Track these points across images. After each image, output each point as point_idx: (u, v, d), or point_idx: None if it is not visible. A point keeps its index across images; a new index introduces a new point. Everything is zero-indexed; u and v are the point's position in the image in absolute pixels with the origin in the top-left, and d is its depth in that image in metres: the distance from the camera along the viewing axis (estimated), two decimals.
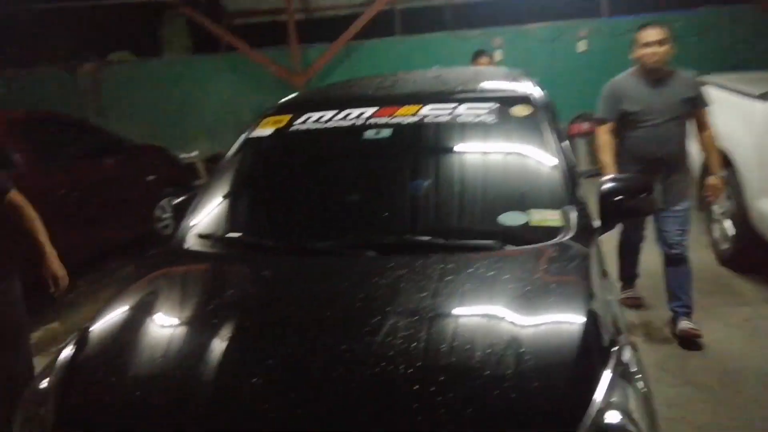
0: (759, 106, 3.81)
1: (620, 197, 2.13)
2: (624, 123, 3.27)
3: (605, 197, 2.14)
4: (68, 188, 4.75)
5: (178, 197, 2.58)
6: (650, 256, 3.64)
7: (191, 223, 2.30)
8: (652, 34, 3.16)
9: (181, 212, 2.43)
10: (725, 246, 4.21)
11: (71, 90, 8.86)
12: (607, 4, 8.30)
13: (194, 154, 7.96)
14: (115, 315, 1.79)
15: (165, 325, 1.72)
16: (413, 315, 1.54)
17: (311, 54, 8.54)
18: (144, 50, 9.34)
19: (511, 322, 1.49)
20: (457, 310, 1.61)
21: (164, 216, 5.73)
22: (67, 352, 1.69)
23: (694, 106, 3.25)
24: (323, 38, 8.48)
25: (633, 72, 3.30)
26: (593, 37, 8.09)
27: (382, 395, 1.34)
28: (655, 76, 3.19)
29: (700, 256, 4.13)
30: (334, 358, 1.44)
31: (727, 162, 4.04)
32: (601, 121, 3.32)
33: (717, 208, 4.30)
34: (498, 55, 7.97)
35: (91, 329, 1.75)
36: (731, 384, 2.83)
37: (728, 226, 4.15)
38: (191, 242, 2.20)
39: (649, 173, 3.00)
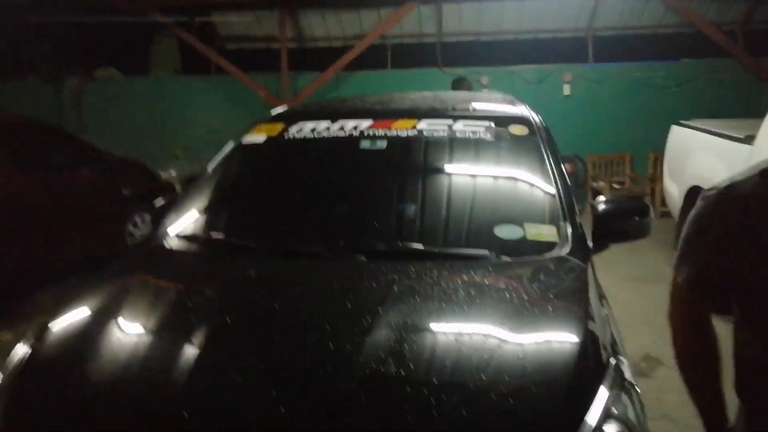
0: (743, 148, 3.89)
1: (614, 219, 2.12)
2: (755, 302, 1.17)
3: (600, 218, 2.11)
4: (39, 197, 4.58)
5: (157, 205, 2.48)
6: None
7: (172, 224, 2.20)
8: None
9: (162, 215, 2.33)
10: None
11: (54, 104, 8.73)
12: (593, 51, 8.55)
13: (172, 173, 7.82)
14: (81, 312, 1.67)
15: (137, 326, 1.60)
16: (407, 320, 1.47)
17: (301, 82, 8.58)
18: (131, 68, 9.29)
19: (509, 334, 1.44)
20: (452, 319, 1.54)
21: (137, 233, 5.57)
22: (23, 348, 1.55)
23: None
24: (314, 68, 8.54)
25: None
26: (577, 82, 8.28)
27: (373, 398, 1.26)
28: None
29: None
30: (322, 358, 1.35)
31: None
32: (685, 283, 1.26)
33: None
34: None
35: (53, 325, 1.61)
36: None
37: None
38: (172, 243, 2.10)
39: None
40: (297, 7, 8.48)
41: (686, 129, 5.04)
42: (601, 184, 7.53)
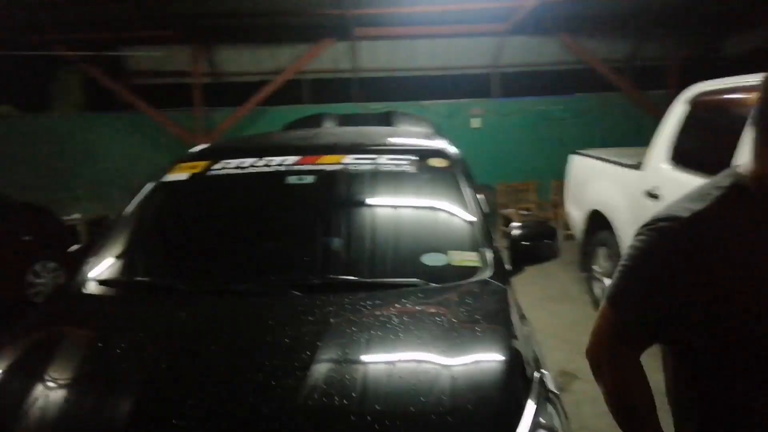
0: (633, 174, 4.30)
1: (528, 243, 2.28)
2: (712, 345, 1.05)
3: (515, 242, 2.27)
4: None
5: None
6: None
7: (93, 269, 2.12)
8: None
9: (80, 260, 2.24)
10: None
11: None
12: (497, 87, 9.11)
13: (76, 216, 7.40)
14: (3, 366, 1.57)
15: (67, 380, 1.51)
16: (345, 348, 1.52)
17: (216, 117, 8.48)
18: (30, 104, 8.78)
19: (443, 357, 1.52)
20: (390, 348, 1.60)
21: (37, 281, 5.20)
22: None
23: None
24: (229, 103, 8.48)
25: (736, 200, 1.04)
26: (485, 116, 8.79)
27: (319, 426, 1.30)
28: None
29: (584, 312, 4.57)
30: (265, 393, 1.37)
31: (606, 224, 4.46)
32: (633, 321, 1.11)
33: (597, 268, 4.67)
34: None
35: None
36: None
37: (608, 283, 4.47)
38: (93, 288, 2.02)
39: None
40: (210, 43, 8.43)
41: (583, 158, 5.48)
42: (510, 210, 7.95)
